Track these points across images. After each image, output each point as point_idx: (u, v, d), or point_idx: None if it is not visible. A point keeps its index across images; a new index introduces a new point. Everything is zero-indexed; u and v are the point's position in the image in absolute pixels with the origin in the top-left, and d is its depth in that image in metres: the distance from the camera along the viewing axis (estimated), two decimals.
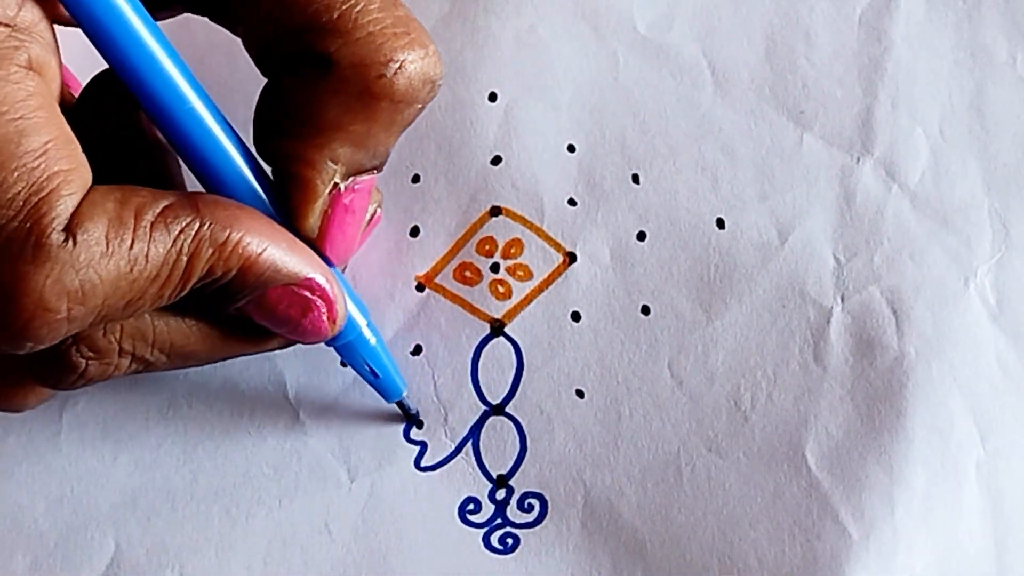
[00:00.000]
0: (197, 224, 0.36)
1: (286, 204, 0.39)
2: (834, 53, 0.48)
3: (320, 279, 0.39)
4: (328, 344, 0.42)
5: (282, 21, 0.38)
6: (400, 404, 0.46)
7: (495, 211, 0.47)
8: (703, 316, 0.47)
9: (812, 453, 0.46)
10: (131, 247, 0.35)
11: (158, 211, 0.36)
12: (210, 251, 0.37)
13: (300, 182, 0.39)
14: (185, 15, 0.41)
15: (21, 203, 0.34)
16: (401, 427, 0.47)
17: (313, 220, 0.39)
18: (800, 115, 0.47)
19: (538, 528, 0.47)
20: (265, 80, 0.40)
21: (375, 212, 0.44)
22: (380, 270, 0.47)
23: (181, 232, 0.36)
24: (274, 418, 0.47)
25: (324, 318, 0.40)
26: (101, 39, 0.36)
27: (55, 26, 0.37)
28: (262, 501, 0.47)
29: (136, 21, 0.37)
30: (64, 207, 0.35)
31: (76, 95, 0.42)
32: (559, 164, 0.47)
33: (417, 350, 0.47)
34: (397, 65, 0.38)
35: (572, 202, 0.47)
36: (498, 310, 0.47)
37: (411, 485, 0.47)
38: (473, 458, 0.47)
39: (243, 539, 0.47)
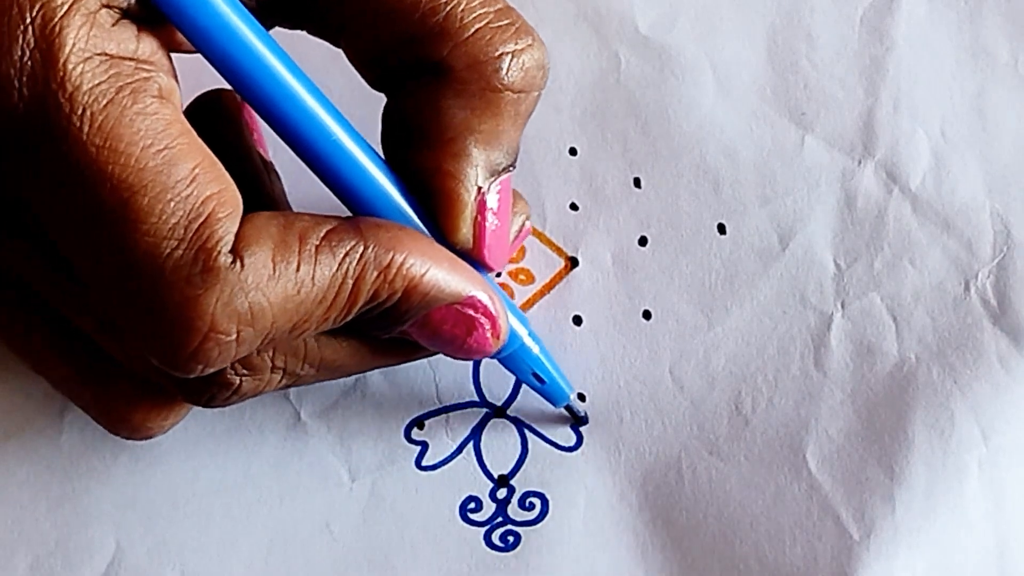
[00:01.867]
0: (361, 247, 0.36)
1: (435, 219, 0.39)
2: (835, 54, 0.48)
3: (483, 296, 0.39)
4: (491, 357, 0.42)
5: (389, 30, 0.38)
6: (568, 408, 0.46)
7: None
8: (704, 321, 0.47)
9: (813, 455, 0.46)
10: (297, 270, 0.35)
11: (322, 235, 0.36)
12: (375, 274, 0.37)
13: (445, 194, 0.39)
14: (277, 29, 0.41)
15: (183, 231, 0.34)
16: (402, 427, 0.47)
17: (466, 231, 0.39)
18: (801, 117, 0.47)
19: (539, 526, 0.47)
20: (373, 91, 0.40)
21: (523, 224, 0.44)
22: None
23: (346, 255, 0.36)
24: (275, 417, 0.47)
25: (488, 335, 0.40)
26: (222, 62, 0.36)
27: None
28: (263, 500, 0.47)
29: (259, 44, 0.36)
30: (226, 230, 0.35)
31: None
32: (561, 168, 0.47)
33: None
34: (511, 57, 0.38)
35: (574, 207, 0.47)
36: None
37: (412, 484, 0.47)
38: (474, 458, 0.47)
39: (244, 538, 0.47)
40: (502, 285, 0.47)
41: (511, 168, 0.40)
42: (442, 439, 0.47)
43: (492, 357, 0.42)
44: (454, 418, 0.47)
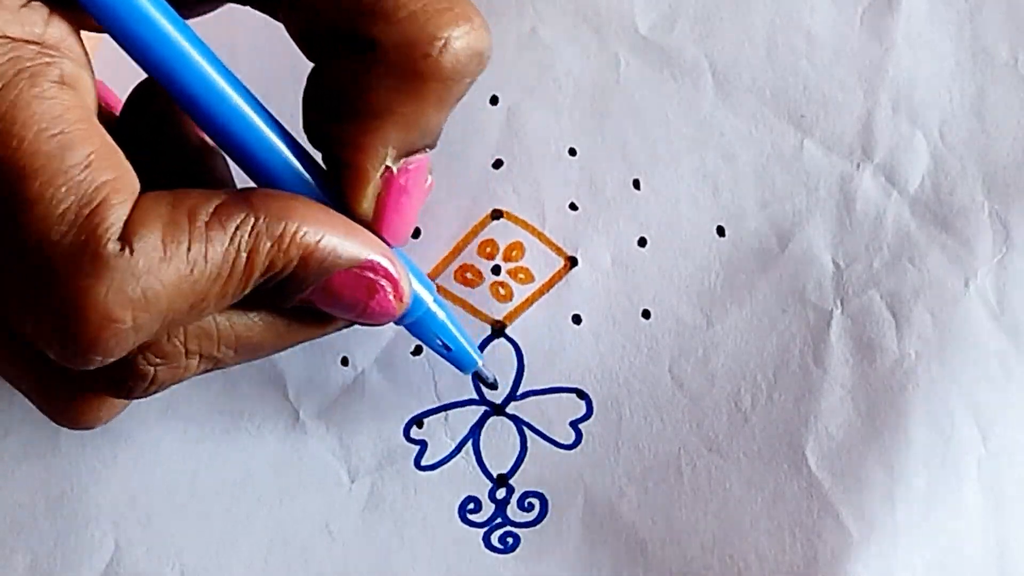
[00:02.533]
0: (252, 219, 0.36)
1: (338, 190, 0.39)
2: (835, 54, 0.48)
3: (381, 259, 0.39)
4: (397, 323, 0.42)
5: (324, 5, 0.37)
6: (477, 375, 0.46)
7: (496, 214, 0.47)
8: (703, 321, 0.47)
9: (812, 453, 0.46)
10: (189, 249, 0.35)
11: (211, 210, 0.36)
12: (269, 244, 0.36)
13: (351, 167, 0.38)
14: (228, 6, 0.41)
15: (73, 217, 0.34)
16: (401, 426, 0.47)
17: (367, 205, 0.39)
18: (801, 119, 0.47)
19: (538, 527, 0.47)
20: (311, 65, 0.39)
21: (428, 181, 0.43)
22: None
23: (237, 229, 0.36)
24: (274, 418, 0.47)
25: (391, 298, 0.39)
26: (131, 43, 0.36)
27: (94, 37, 0.37)
28: (262, 501, 0.47)
29: (163, 21, 0.36)
30: (116, 216, 0.34)
31: (117, 114, 0.42)
32: (560, 168, 0.47)
33: (418, 350, 0.47)
34: (442, 43, 0.37)
35: (573, 206, 0.47)
36: (499, 312, 0.47)
37: (411, 484, 0.47)
38: (473, 457, 0.47)
39: (243, 539, 0.47)
40: (500, 283, 0.47)
41: (429, 148, 0.40)
42: (441, 438, 0.47)
43: (398, 323, 0.42)
44: (453, 416, 0.47)
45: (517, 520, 0.47)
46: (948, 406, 0.46)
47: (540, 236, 0.47)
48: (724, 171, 0.47)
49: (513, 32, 0.47)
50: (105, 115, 0.39)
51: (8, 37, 0.35)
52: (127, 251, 0.34)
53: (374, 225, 0.39)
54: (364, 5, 0.37)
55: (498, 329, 0.47)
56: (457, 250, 0.47)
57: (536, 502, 0.47)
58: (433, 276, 0.47)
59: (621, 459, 0.47)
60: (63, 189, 0.34)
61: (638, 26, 0.48)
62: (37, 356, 0.38)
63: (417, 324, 0.43)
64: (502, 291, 0.47)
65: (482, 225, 0.47)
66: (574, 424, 0.47)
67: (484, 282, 0.47)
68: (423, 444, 0.47)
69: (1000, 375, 0.47)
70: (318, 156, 0.39)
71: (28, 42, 0.35)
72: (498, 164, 0.47)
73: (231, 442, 0.47)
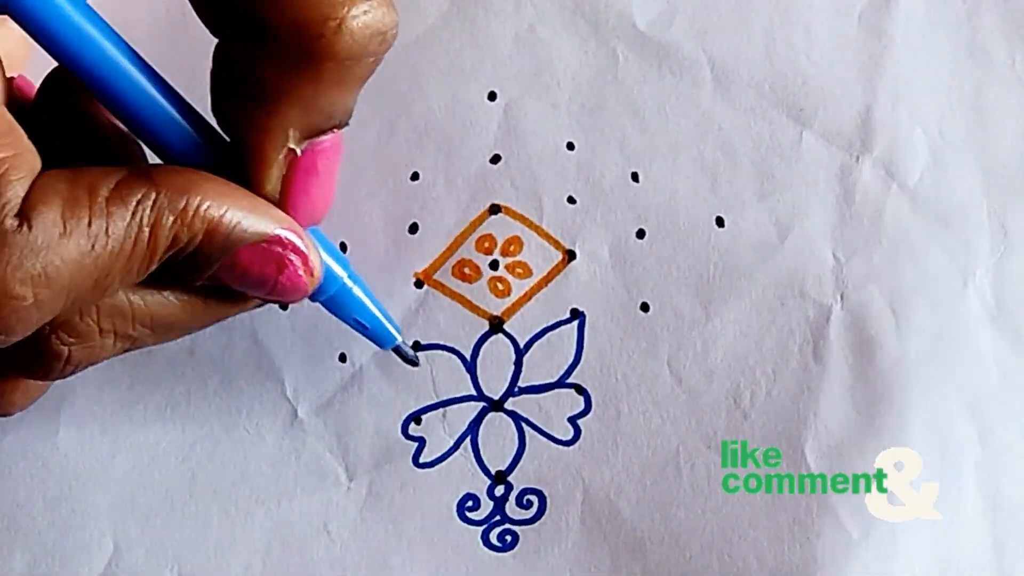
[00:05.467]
0: (154, 194, 0.36)
1: (244, 170, 0.38)
2: (834, 50, 0.48)
3: (288, 234, 0.38)
4: (312, 300, 0.41)
5: None
6: (396, 351, 0.46)
7: (494, 209, 0.47)
8: (702, 314, 0.47)
9: (811, 451, 0.46)
10: (89, 225, 0.35)
11: (112, 186, 0.35)
12: (171, 219, 0.36)
13: (253, 149, 0.38)
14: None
15: None
16: (399, 423, 0.47)
17: (271, 186, 0.38)
18: (800, 113, 0.47)
19: (537, 525, 0.47)
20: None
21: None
22: (379, 267, 0.46)
23: (138, 204, 0.35)
24: (272, 416, 0.47)
25: (301, 272, 0.39)
26: (29, 23, 0.36)
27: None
28: (261, 501, 0.47)
29: (70, 9, 0.36)
30: (14, 193, 0.34)
31: None
32: (558, 162, 0.47)
33: (416, 346, 0.47)
34: (336, 23, 0.36)
35: (571, 200, 0.47)
36: (497, 307, 0.47)
37: (410, 482, 0.47)
38: (472, 454, 0.47)
39: (242, 539, 0.47)
40: (498, 278, 0.47)
41: (339, 127, 0.39)
42: (439, 434, 0.47)
43: (313, 300, 0.41)
44: (451, 413, 0.47)
45: (515, 518, 0.47)
46: (946, 407, 0.46)
47: (538, 230, 0.47)
48: (723, 163, 0.47)
49: (511, 28, 0.47)
50: (23, 105, 0.39)
51: None
52: (25, 227, 0.34)
53: (281, 206, 0.39)
54: None
55: (496, 324, 0.47)
56: (455, 245, 0.47)
57: (535, 499, 0.47)
58: (431, 272, 0.47)
59: (620, 456, 0.47)
60: None
61: (636, 22, 0.48)
62: None
63: (332, 301, 0.42)
64: (500, 286, 0.47)
65: (480, 220, 0.47)
66: (572, 420, 0.47)
67: (482, 277, 0.47)
68: (421, 441, 0.47)
69: (998, 376, 0.47)
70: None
71: None
72: (496, 159, 0.47)
73: (229, 441, 0.47)
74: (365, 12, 0.36)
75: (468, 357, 0.47)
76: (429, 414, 0.47)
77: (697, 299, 0.47)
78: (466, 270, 0.47)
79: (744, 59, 0.48)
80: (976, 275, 0.47)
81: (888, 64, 0.48)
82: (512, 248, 0.47)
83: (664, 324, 0.47)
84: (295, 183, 0.38)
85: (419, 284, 0.47)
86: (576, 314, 0.47)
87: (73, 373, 0.39)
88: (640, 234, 0.47)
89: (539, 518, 0.47)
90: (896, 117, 0.48)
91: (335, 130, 0.39)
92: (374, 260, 0.47)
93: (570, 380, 0.47)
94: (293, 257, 0.38)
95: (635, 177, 0.47)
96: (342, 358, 0.47)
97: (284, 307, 0.47)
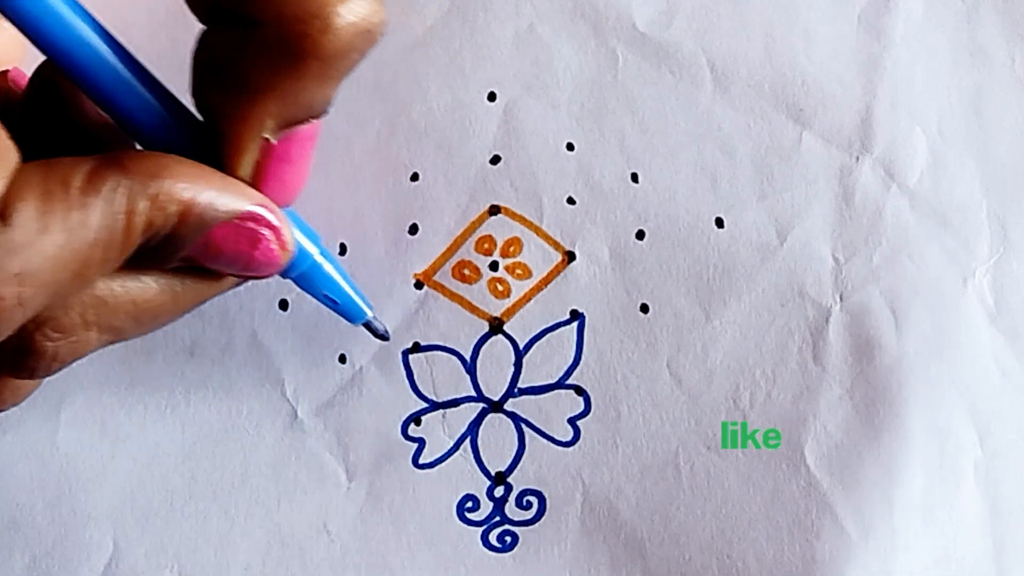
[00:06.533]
0: (126, 180, 0.35)
1: (218, 157, 0.38)
2: (833, 51, 0.48)
3: (260, 209, 0.38)
4: (284, 276, 0.41)
5: None
6: (367, 326, 0.45)
7: (494, 210, 0.47)
8: (702, 315, 0.47)
9: (811, 452, 0.46)
10: (66, 218, 0.34)
11: (84, 176, 0.35)
12: (145, 203, 0.35)
13: (228, 136, 0.37)
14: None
15: None
16: (399, 424, 0.47)
17: (244, 172, 0.38)
18: (799, 113, 0.47)
19: (536, 526, 0.47)
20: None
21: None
22: (378, 267, 0.47)
23: (112, 191, 0.35)
24: (272, 416, 0.47)
25: (274, 247, 0.38)
26: (7, 10, 0.35)
27: None
28: (260, 501, 0.47)
29: None
30: None
31: None
32: (558, 163, 0.47)
33: (415, 347, 0.47)
34: (323, 21, 0.36)
35: (571, 201, 0.47)
36: (497, 308, 0.47)
37: (409, 483, 0.47)
38: (471, 455, 0.47)
39: (241, 539, 0.47)
40: (498, 280, 0.47)
41: (317, 117, 0.39)
42: (439, 435, 0.47)
43: (284, 276, 0.41)
44: (451, 414, 0.47)
45: (515, 519, 0.47)
46: (946, 407, 0.46)
47: (538, 231, 0.47)
48: (722, 163, 0.47)
49: (511, 28, 0.47)
50: (17, 98, 0.39)
51: None
52: (4, 226, 0.34)
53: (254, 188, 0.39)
54: None
55: (496, 326, 0.47)
56: (455, 246, 0.47)
57: (534, 500, 0.47)
58: (431, 273, 0.47)
59: (619, 457, 0.47)
60: None
61: (636, 22, 0.48)
62: None
63: (304, 277, 0.42)
64: (500, 287, 0.47)
65: (480, 221, 0.47)
66: (572, 421, 0.47)
67: (482, 278, 0.47)
68: (421, 442, 0.47)
69: (997, 377, 0.47)
70: None
71: None
72: (496, 160, 0.47)
73: (229, 441, 0.47)
74: (352, 10, 0.36)
75: (468, 358, 0.47)
76: (429, 415, 0.47)
77: (697, 300, 0.47)
78: (466, 271, 0.47)
79: (744, 59, 0.48)
80: (976, 275, 0.47)
81: (888, 64, 0.48)
82: (512, 249, 0.47)
83: (664, 325, 0.47)
84: (268, 169, 0.38)
85: (419, 285, 0.47)
86: (576, 315, 0.47)
87: (59, 370, 0.39)
88: (640, 235, 0.47)
89: (539, 519, 0.47)
90: (896, 117, 0.48)
91: (311, 120, 0.38)
92: (374, 261, 0.46)
93: (570, 381, 0.47)
94: (266, 232, 0.38)
95: (635, 178, 0.47)
96: (342, 359, 0.47)
97: (284, 307, 0.47)
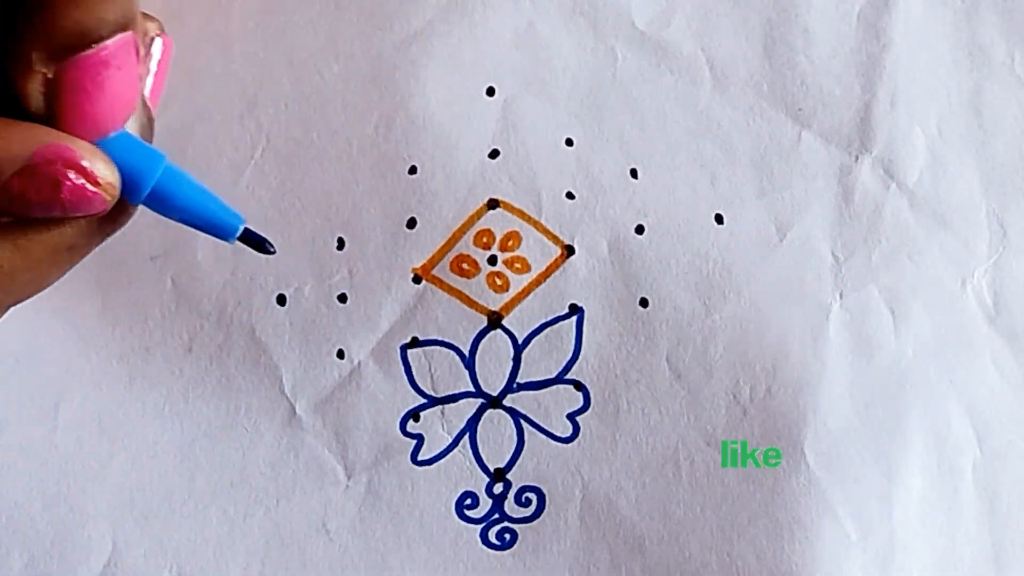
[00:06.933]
0: None
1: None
2: (833, 50, 0.48)
3: (50, 151, 0.35)
4: (133, 204, 0.37)
5: None
6: (244, 240, 0.39)
7: (493, 204, 0.47)
8: (702, 309, 0.47)
9: (811, 449, 0.46)
10: None
11: None
12: None
13: (9, 77, 0.35)
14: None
15: None
16: (397, 420, 0.47)
17: (35, 108, 0.35)
18: (798, 112, 0.47)
19: (536, 523, 0.47)
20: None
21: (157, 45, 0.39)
22: (376, 262, 0.46)
23: None
24: (270, 413, 0.47)
25: (85, 184, 0.35)
26: None
27: None
28: (259, 501, 0.47)
29: None
30: None
31: None
32: (557, 158, 0.47)
33: (414, 342, 0.47)
34: None
35: (570, 195, 0.47)
36: (495, 302, 0.47)
37: (408, 480, 0.47)
38: (470, 451, 0.47)
39: (241, 537, 0.47)
40: (497, 274, 0.47)
41: (107, 38, 0.35)
42: (437, 432, 0.47)
43: (136, 203, 0.37)
44: (449, 410, 0.47)
45: (514, 516, 0.47)
46: (945, 408, 0.47)
47: (537, 225, 0.47)
48: (722, 160, 0.47)
49: (510, 25, 0.47)
50: None
51: None
52: None
53: (57, 125, 0.36)
54: None
55: (495, 320, 0.47)
56: (453, 240, 0.47)
57: (533, 497, 0.47)
58: (429, 267, 0.47)
59: (619, 453, 0.46)
60: None
61: (635, 21, 0.48)
62: None
63: (154, 201, 0.38)
64: (498, 281, 0.47)
65: (478, 215, 0.47)
66: (571, 416, 0.47)
67: (480, 273, 0.47)
68: (420, 438, 0.47)
69: (996, 378, 0.47)
70: None
71: None
72: (494, 154, 0.47)
73: (228, 439, 0.47)
74: None
75: (466, 353, 0.47)
76: (427, 411, 0.47)
77: (696, 294, 0.47)
78: (464, 265, 0.47)
79: (743, 58, 0.48)
80: (975, 274, 0.47)
81: (887, 63, 0.48)
82: (511, 243, 0.47)
83: (663, 319, 0.47)
84: (63, 101, 0.35)
85: (417, 279, 0.47)
86: (575, 309, 0.47)
87: None
88: (639, 230, 0.47)
89: (538, 516, 0.47)
90: (895, 116, 0.48)
91: (103, 40, 0.35)
92: (372, 255, 0.46)
93: (569, 376, 0.47)
94: (70, 172, 0.35)
95: (634, 173, 0.47)
96: (340, 354, 0.47)
97: (282, 302, 0.47)
